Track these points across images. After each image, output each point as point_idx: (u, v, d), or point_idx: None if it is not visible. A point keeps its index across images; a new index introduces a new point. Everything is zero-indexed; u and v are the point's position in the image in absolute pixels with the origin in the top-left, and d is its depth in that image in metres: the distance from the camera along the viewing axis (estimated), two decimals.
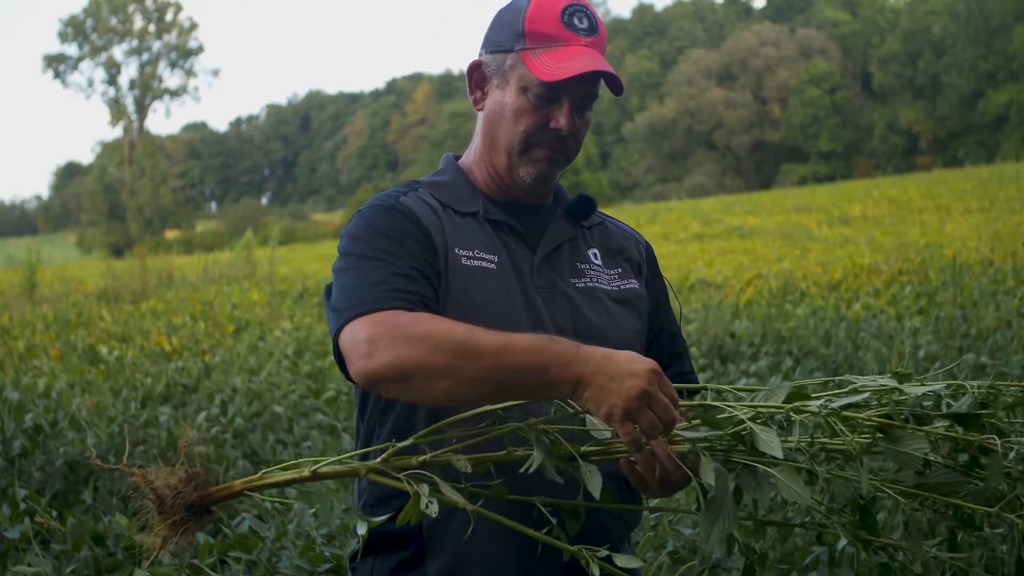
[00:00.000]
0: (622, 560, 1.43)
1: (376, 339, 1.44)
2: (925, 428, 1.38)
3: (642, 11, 76.74)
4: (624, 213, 31.81)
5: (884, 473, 1.42)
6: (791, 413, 1.41)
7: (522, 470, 1.42)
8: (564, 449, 1.44)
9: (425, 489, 1.39)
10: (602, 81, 1.68)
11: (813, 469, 1.39)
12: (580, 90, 1.65)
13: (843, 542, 1.57)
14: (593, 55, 1.64)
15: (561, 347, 1.40)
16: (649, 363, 1.38)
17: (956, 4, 53.67)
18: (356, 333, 1.47)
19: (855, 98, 60.55)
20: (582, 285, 1.73)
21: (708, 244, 20.93)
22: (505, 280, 1.66)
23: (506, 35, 1.68)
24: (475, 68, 1.74)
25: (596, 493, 1.41)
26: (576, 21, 1.65)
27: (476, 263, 1.65)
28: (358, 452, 1.57)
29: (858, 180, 43.27)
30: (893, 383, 1.43)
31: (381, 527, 1.56)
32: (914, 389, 1.41)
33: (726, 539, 1.37)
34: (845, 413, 1.40)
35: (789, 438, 1.41)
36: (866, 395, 1.42)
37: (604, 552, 1.42)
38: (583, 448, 1.46)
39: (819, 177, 52.80)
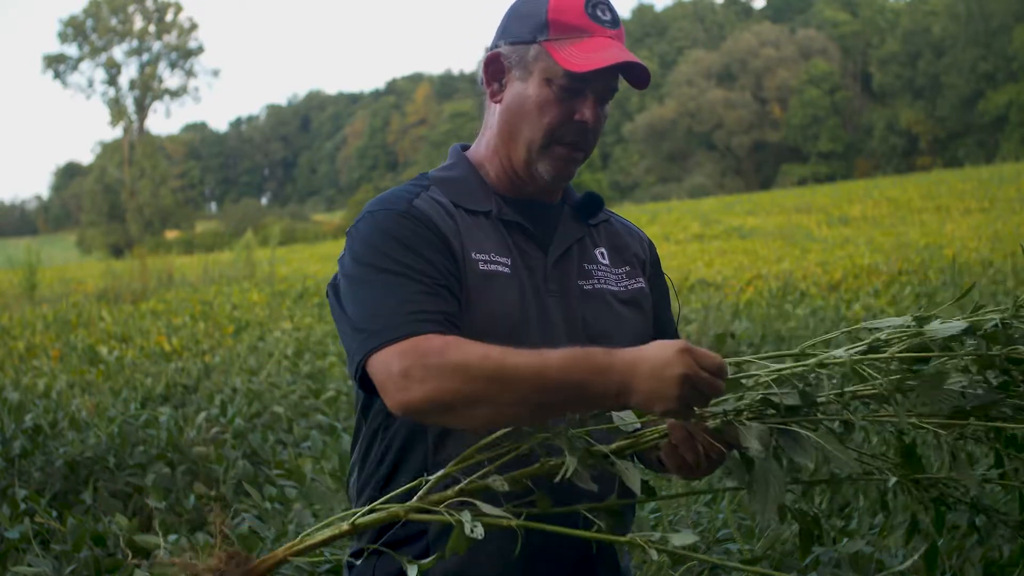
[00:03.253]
0: (678, 539, 1.44)
1: (410, 372, 1.41)
2: (951, 354, 1.37)
3: (642, 11, 76.74)
4: (624, 213, 31.40)
5: (921, 408, 1.40)
6: (816, 369, 1.41)
7: (556, 479, 1.41)
8: (596, 451, 1.44)
9: (467, 516, 1.38)
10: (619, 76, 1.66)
11: (849, 418, 1.38)
12: (604, 83, 1.63)
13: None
14: (618, 47, 1.62)
15: (595, 360, 1.39)
16: (676, 346, 1.38)
17: (956, 4, 53.68)
18: (389, 365, 1.44)
19: (855, 98, 60.56)
20: (589, 287, 1.70)
21: (708, 244, 20.94)
22: (518, 283, 1.63)
23: (528, 26, 1.65)
24: (493, 60, 1.69)
25: (636, 488, 1.41)
26: (600, 13, 1.63)
27: (492, 267, 1.61)
28: (395, 493, 1.51)
29: (858, 180, 43.30)
30: (913, 324, 1.43)
31: (387, 529, 1.56)
32: (936, 327, 1.40)
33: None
34: (871, 356, 1.40)
35: (819, 394, 1.40)
36: (886, 333, 1.43)
37: (658, 535, 1.42)
38: (614, 445, 1.46)
39: (819, 177, 52.81)
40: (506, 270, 1.63)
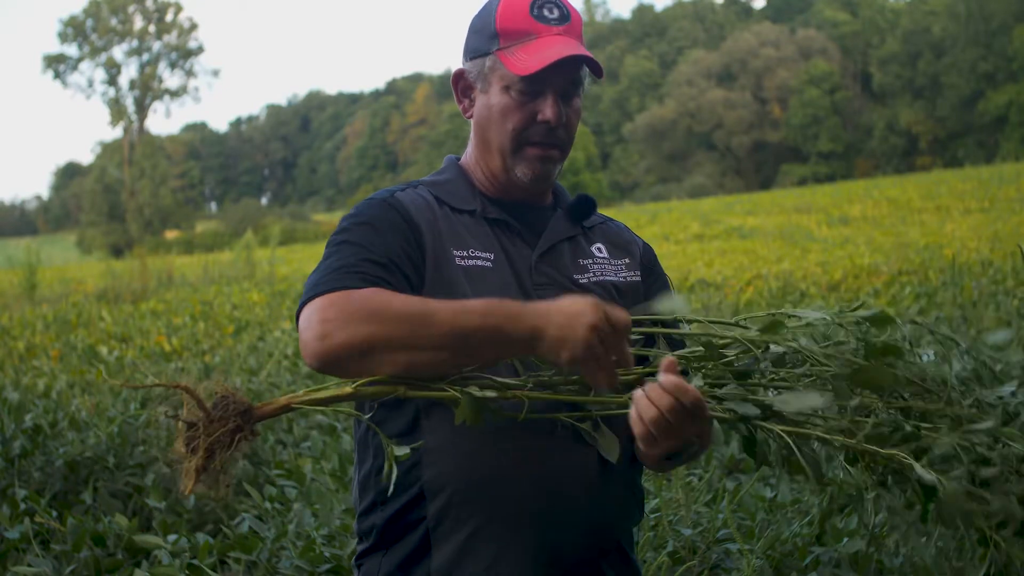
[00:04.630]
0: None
1: (330, 319, 1.43)
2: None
3: (642, 11, 76.77)
4: (624, 213, 31.80)
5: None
6: (768, 341, 1.52)
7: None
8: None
9: (474, 388, 1.45)
10: (586, 68, 1.70)
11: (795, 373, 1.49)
12: (561, 78, 1.66)
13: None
14: (567, 42, 1.65)
15: (510, 306, 1.45)
16: (588, 300, 1.44)
17: (956, 4, 53.70)
18: (310, 315, 1.46)
19: (855, 98, 60.56)
20: (585, 280, 1.73)
21: (708, 244, 20.95)
22: (502, 278, 1.66)
23: (481, 39, 1.71)
24: (459, 77, 1.76)
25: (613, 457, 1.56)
26: (547, 12, 1.67)
27: (471, 262, 1.66)
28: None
29: (858, 180, 43.33)
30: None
31: (388, 520, 1.62)
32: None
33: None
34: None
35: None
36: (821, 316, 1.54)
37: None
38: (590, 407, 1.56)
39: (819, 177, 52.85)
40: (488, 264, 1.67)
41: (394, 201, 1.68)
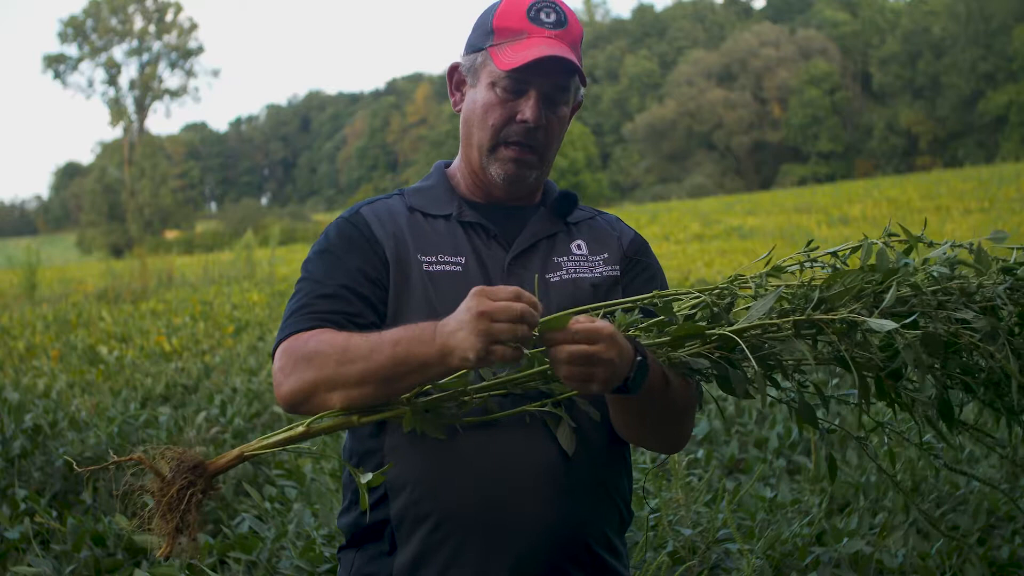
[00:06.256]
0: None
1: (282, 368, 1.56)
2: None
3: (642, 11, 76.73)
4: (624, 213, 31.68)
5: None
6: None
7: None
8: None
9: (419, 403, 1.50)
10: (576, 79, 1.70)
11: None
12: (546, 81, 1.67)
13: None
14: (556, 45, 1.65)
15: (419, 330, 1.45)
16: (471, 293, 1.40)
17: (956, 4, 53.67)
18: (274, 364, 1.59)
19: (855, 99, 60.53)
20: (556, 279, 1.72)
21: (708, 244, 20.95)
22: (472, 281, 1.65)
23: (478, 35, 1.73)
24: (453, 71, 1.78)
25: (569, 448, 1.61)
26: (543, 16, 1.68)
27: (439, 268, 1.68)
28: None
29: (858, 180, 43.32)
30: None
31: (358, 518, 1.67)
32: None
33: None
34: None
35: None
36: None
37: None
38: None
39: (819, 177, 52.85)
40: (457, 268, 1.68)
41: (356, 219, 1.72)
